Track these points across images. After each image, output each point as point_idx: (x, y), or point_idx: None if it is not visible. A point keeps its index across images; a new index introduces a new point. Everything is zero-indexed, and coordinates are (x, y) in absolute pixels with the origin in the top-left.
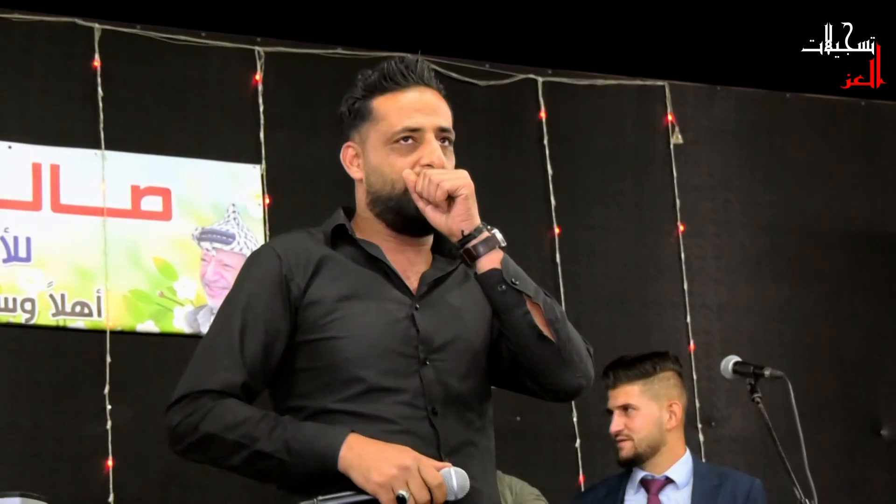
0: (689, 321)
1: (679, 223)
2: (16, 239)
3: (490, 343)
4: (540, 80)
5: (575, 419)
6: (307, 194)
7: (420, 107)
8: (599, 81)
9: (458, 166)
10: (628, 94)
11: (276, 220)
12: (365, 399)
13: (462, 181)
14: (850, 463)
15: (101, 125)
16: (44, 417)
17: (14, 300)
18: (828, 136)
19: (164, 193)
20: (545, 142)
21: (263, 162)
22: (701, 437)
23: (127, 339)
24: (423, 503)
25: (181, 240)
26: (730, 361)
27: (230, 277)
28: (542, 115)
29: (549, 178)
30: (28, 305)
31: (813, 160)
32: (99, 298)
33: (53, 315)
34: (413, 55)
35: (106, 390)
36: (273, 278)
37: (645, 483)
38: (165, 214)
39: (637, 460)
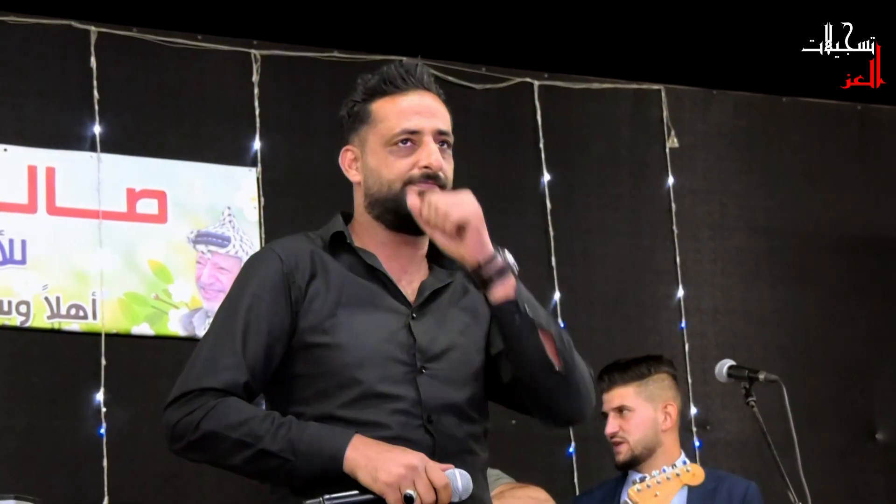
0: (685, 325)
1: (675, 227)
2: (11, 241)
3: (487, 355)
4: (536, 83)
5: None
6: (303, 197)
7: (419, 110)
8: (596, 85)
9: (455, 170)
10: (624, 97)
11: (272, 223)
12: (361, 405)
13: (469, 210)
14: (844, 467)
15: (97, 128)
16: (39, 420)
17: (9, 303)
18: (824, 140)
19: (160, 196)
20: (541, 145)
21: (259, 165)
22: (696, 441)
23: (122, 342)
24: (430, 503)
25: (177, 243)
26: (724, 365)
27: (226, 280)
28: (539, 118)
29: (546, 181)
30: (23, 308)
31: (809, 164)
32: (94, 301)
33: (48, 318)
34: (413, 59)
35: (101, 393)
36: (275, 280)
37: None
38: (161, 217)
39: (633, 462)
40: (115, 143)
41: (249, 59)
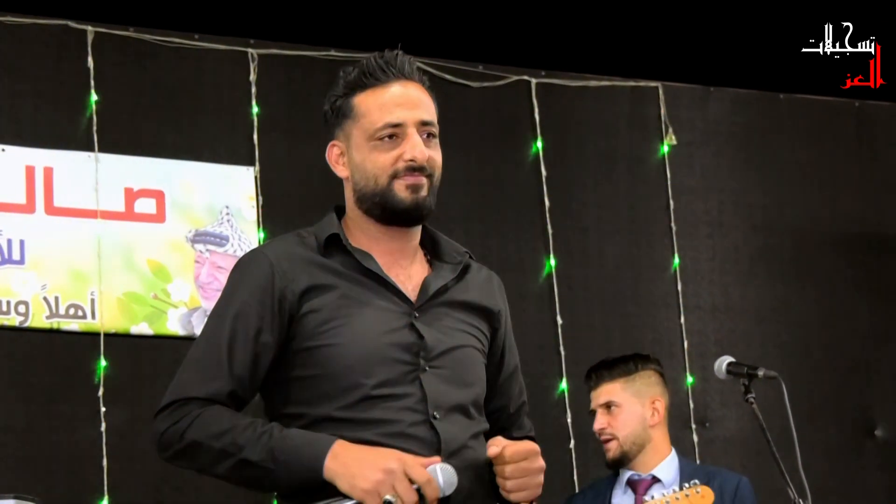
0: (683, 322)
1: (673, 224)
2: (9, 241)
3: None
4: (533, 81)
5: (569, 420)
6: (301, 196)
7: (401, 101)
8: (593, 83)
9: (452, 168)
10: (622, 95)
11: (270, 222)
12: (365, 406)
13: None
14: (844, 464)
15: (95, 128)
16: (38, 420)
17: (8, 303)
18: (821, 137)
19: (158, 196)
20: (539, 143)
21: (257, 164)
22: (695, 438)
23: (121, 342)
24: (413, 503)
25: (175, 242)
26: (723, 362)
27: (224, 279)
28: (536, 116)
29: (543, 179)
30: (22, 308)
31: (807, 161)
32: (93, 301)
33: (47, 317)
34: (392, 50)
35: (100, 392)
36: (265, 287)
37: (632, 483)
38: (159, 217)
39: (624, 459)
40: (113, 143)
41: (246, 59)
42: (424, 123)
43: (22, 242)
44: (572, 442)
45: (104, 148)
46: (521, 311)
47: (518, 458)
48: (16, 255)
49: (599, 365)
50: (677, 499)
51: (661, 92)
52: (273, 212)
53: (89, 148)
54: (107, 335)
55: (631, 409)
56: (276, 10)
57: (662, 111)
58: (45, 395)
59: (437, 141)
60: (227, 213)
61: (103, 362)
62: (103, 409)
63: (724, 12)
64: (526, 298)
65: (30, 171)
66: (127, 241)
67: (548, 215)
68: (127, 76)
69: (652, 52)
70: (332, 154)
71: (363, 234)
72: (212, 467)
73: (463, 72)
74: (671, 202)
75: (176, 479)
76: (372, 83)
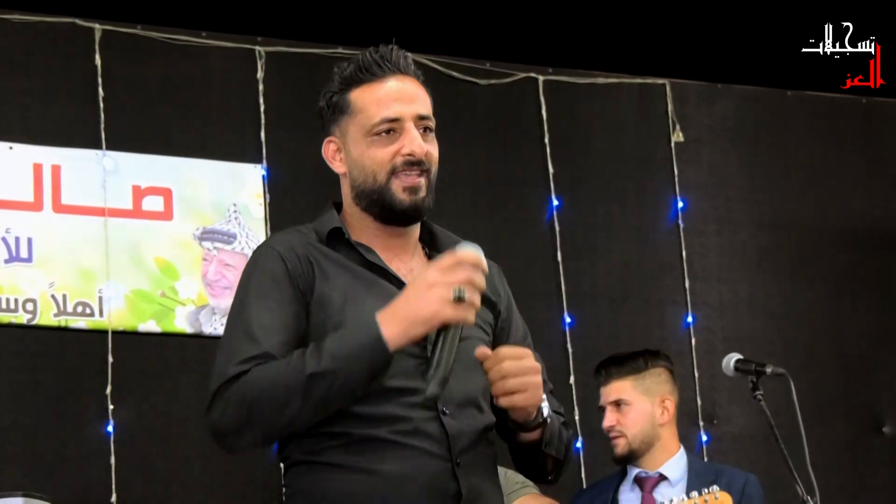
0: (691, 319)
1: (680, 221)
2: (17, 239)
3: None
4: (541, 78)
5: (577, 417)
6: (308, 193)
7: (398, 96)
8: (600, 80)
9: (460, 165)
10: (629, 92)
11: (278, 219)
12: (377, 400)
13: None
14: (852, 460)
15: (102, 125)
16: (46, 418)
17: (16, 301)
18: (829, 134)
19: (166, 193)
20: (546, 140)
21: (264, 161)
22: (703, 435)
23: (129, 340)
24: (475, 284)
25: (182, 240)
26: (731, 359)
27: (232, 277)
28: (543, 113)
29: (551, 176)
30: (30, 306)
31: (814, 158)
32: (100, 299)
33: (55, 315)
34: (387, 45)
35: (108, 390)
36: (280, 272)
37: (639, 480)
38: (167, 214)
39: (631, 457)
40: (121, 141)
41: (254, 56)
42: (421, 118)
43: (30, 240)
44: (580, 439)
45: (112, 146)
46: (528, 309)
47: (514, 356)
48: (24, 253)
49: (609, 361)
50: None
51: (668, 89)
52: (281, 209)
53: (97, 146)
54: (114, 333)
55: (640, 407)
56: (283, 7)
57: (670, 108)
58: (52, 393)
59: (433, 135)
60: (235, 211)
61: (111, 360)
62: (111, 407)
63: (731, 10)
64: (533, 296)
65: (37, 169)
66: (135, 238)
67: (555, 212)
68: (134, 74)
69: (659, 49)
70: (329, 150)
71: (362, 230)
72: (284, 411)
73: (470, 69)
74: (678, 199)
75: (184, 477)
76: (368, 78)
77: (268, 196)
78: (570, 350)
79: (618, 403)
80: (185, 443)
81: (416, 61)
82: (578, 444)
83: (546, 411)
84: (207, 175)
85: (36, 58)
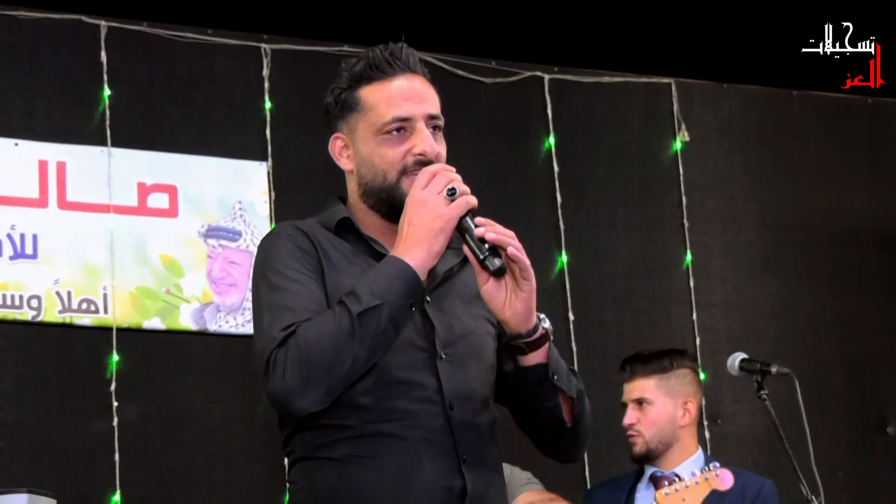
0: (696, 318)
1: (685, 220)
2: (22, 236)
3: (495, 342)
4: (546, 77)
5: None
6: (314, 191)
7: (409, 95)
8: (606, 79)
9: (465, 164)
10: (635, 91)
11: (283, 217)
12: (385, 393)
13: (533, 276)
14: (856, 460)
15: (108, 122)
16: (50, 414)
17: (20, 297)
18: (834, 133)
19: (171, 190)
20: (551, 139)
21: (270, 159)
22: (707, 435)
23: (133, 337)
24: (456, 179)
25: (187, 237)
26: (737, 358)
27: (236, 274)
28: (549, 112)
29: (556, 175)
30: (34, 302)
31: (819, 158)
32: (105, 295)
33: (60, 312)
34: (396, 43)
35: (112, 387)
36: (294, 249)
37: (654, 479)
38: (172, 211)
39: (649, 456)
40: (126, 138)
41: (260, 54)
42: (432, 117)
43: (35, 237)
44: None
45: (117, 142)
46: None
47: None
48: (28, 250)
49: (635, 357)
50: (696, 483)
51: (674, 88)
52: (286, 207)
53: (102, 142)
54: (119, 330)
55: (662, 407)
56: (289, 5)
57: (675, 107)
58: (57, 390)
59: (441, 134)
60: (240, 208)
61: (115, 357)
62: (115, 404)
63: (737, 9)
64: (537, 294)
65: (43, 166)
66: (139, 235)
67: (560, 211)
68: (140, 71)
69: (665, 49)
70: (336, 146)
71: (368, 226)
72: (341, 357)
73: (476, 67)
74: (684, 198)
75: (188, 473)
76: (378, 76)
77: (273, 193)
78: (574, 349)
79: (640, 402)
80: (189, 440)
81: (422, 59)
82: None
83: (547, 323)
84: (212, 172)
85: (42, 54)
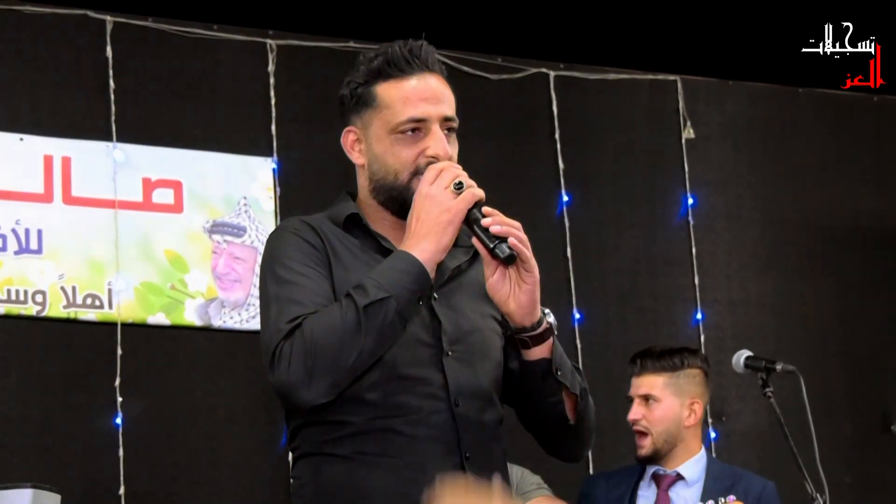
0: (700, 316)
1: (690, 218)
2: (27, 231)
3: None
4: (552, 74)
5: None
6: (319, 187)
7: (425, 96)
8: (611, 76)
9: (470, 160)
10: (640, 88)
11: (288, 213)
12: (390, 389)
13: (536, 268)
14: (860, 458)
15: (113, 118)
16: (55, 410)
17: (25, 292)
18: (839, 131)
19: (176, 186)
20: (557, 136)
21: (275, 155)
22: (712, 432)
23: (138, 332)
24: (461, 173)
25: (192, 232)
26: (742, 356)
27: (241, 270)
28: (554, 109)
29: (561, 172)
30: (39, 297)
31: (824, 155)
32: (110, 291)
33: (64, 307)
34: (416, 40)
35: (117, 383)
36: (302, 245)
37: (656, 478)
38: (177, 207)
39: (655, 457)
40: (131, 133)
41: (265, 49)
42: (447, 119)
43: (40, 232)
44: None
45: (122, 138)
46: None
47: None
48: (33, 245)
49: (646, 353)
50: None
51: (679, 85)
52: (291, 203)
53: (108, 138)
54: (124, 325)
55: (669, 405)
56: (294, 1)
57: (681, 105)
58: (61, 385)
59: (454, 136)
60: (245, 204)
61: (120, 352)
62: (120, 400)
63: (742, 7)
64: (542, 291)
65: (48, 161)
66: (144, 231)
67: (565, 208)
68: (146, 66)
69: (671, 46)
70: (349, 140)
71: (378, 221)
72: (347, 349)
73: (482, 64)
74: (689, 195)
75: (192, 470)
76: (395, 73)
77: (278, 189)
78: (579, 346)
79: (647, 398)
80: (194, 435)
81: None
82: None
83: (551, 318)
84: (218, 168)
85: (47, 50)
